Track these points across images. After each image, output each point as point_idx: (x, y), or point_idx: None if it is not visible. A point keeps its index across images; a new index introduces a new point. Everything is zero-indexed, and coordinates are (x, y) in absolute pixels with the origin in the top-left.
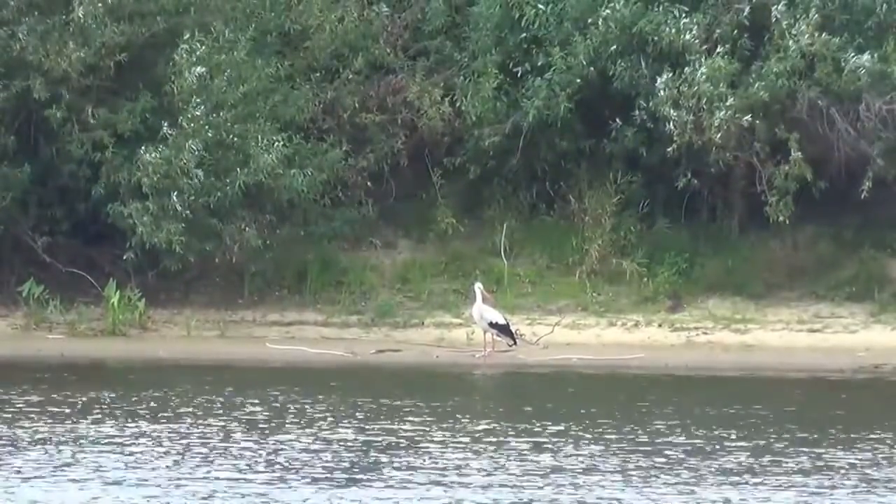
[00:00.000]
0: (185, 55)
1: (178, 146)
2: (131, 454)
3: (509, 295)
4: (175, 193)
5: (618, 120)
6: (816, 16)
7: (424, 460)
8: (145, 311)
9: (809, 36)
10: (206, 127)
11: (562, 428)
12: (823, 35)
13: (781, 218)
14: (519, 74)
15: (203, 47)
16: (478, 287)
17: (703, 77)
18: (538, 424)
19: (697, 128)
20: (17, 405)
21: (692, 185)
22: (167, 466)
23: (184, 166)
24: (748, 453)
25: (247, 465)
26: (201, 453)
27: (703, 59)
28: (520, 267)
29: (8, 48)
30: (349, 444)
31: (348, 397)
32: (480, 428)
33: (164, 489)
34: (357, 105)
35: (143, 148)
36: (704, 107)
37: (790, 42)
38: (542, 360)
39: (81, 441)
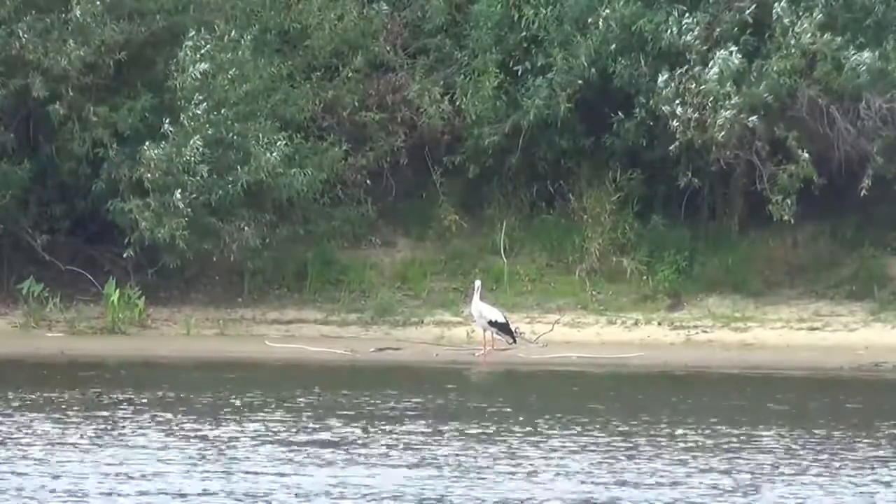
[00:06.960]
0: (189, 52)
1: (178, 143)
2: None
3: (509, 293)
4: (178, 190)
5: (619, 113)
6: (820, 15)
7: None
8: (145, 309)
9: (812, 35)
10: (207, 125)
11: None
12: (827, 35)
13: (786, 217)
14: (519, 73)
15: (207, 45)
16: (477, 285)
17: (715, 77)
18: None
19: (700, 126)
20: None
21: (692, 183)
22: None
23: (185, 163)
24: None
25: None
26: None
27: (709, 57)
28: (519, 265)
29: (7, 46)
30: None
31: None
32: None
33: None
34: (357, 103)
35: (146, 144)
36: (710, 105)
37: (792, 40)
38: (541, 358)
39: None
